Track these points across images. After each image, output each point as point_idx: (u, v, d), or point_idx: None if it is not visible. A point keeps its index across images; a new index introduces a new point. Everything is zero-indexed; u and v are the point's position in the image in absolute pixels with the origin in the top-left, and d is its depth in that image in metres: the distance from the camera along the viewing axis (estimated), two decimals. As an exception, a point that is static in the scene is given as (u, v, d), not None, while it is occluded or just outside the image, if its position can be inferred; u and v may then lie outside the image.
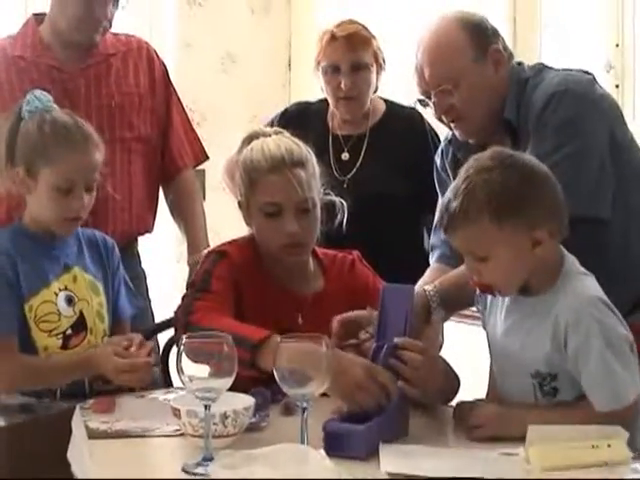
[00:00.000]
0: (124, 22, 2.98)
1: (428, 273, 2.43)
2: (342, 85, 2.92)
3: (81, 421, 1.68)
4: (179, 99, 2.95)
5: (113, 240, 2.44)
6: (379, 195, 2.87)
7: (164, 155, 2.86)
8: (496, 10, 4.41)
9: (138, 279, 2.82)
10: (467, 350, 2.91)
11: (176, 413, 1.88)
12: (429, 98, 2.31)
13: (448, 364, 2.14)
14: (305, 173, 2.27)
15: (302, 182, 2.26)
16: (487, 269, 1.90)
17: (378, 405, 1.89)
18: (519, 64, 2.36)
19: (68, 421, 1.61)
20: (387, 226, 2.85)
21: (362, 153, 2.99)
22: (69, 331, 2.24)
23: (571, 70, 2.32)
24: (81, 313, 2.26)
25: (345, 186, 2.90)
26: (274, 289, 2.33)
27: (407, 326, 1.98)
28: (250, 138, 2.37)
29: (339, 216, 2.42)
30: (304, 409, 1.74)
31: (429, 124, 3.02)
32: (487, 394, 2.11)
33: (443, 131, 2.80)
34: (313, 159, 2.34)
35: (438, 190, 2.51)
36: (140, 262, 2.92)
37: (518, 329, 1.96)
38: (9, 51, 2.71)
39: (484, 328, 2.10)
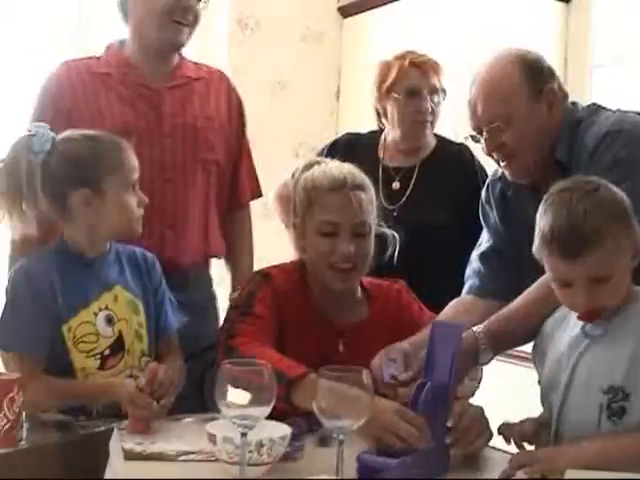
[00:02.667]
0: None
1: (454, 304, 2.43)
2: (422, 108, 2.96)
3: (119, 442, 1.68)
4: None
5: (154, 256, 2.44)
6: (427, 225, 2.88)
7: (230, 187, 2.87)
8: (548, 49, 4.42)
9: (211, 301, 2.85)
10: (510, 390, 2.89)
11: (212, 439, 1.87)
12: (480, 134, 2.30)
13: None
14: (365, 196, 2.29)
15: (361, 204, 2.27)
16: (607, 289, 1.87)
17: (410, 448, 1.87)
18: (573, 104, 2.34)
19: (106, 441, 1.62)
20: (433, 256, 2.84)
21: (412, 184, 3.00)
22: (107, 352, 2.24)
23: (627, 111, 2.29)
24: (120, 333, 2.26)
25: (395, 214, 2.90)
26: (317, 315, 2.33)
27: (454, 365, 1.95)
28: (310, 165, 2.39)
29: (390, 249, 2.41)
30: (341, 441, 1.73)
31: (478, 161, 3.02)
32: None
33: (492, 168, 2.79)
34: (372, 187, 2.35)
35: (483, 223, 2.52)
36: (212, 284, 2.91)
37: (592, 347, 1.93)
38: (94, 69, 2.73)
39: (535, 364, 2.08)
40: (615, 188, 1.92)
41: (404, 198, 2.98)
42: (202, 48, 4.82)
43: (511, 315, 2.15)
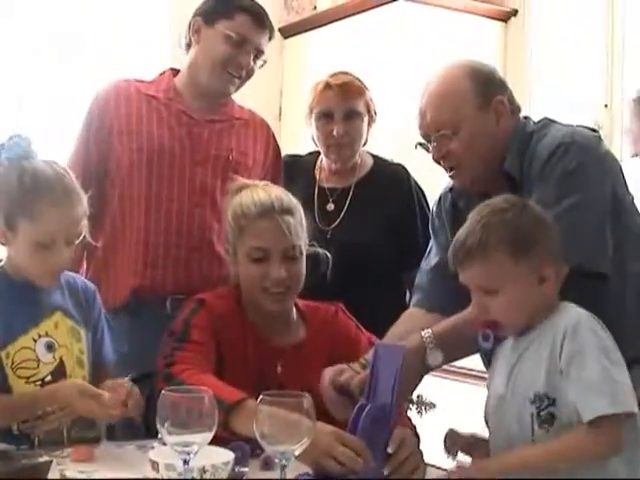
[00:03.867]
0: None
1: (404, 318, 2.44)
2: (334, 132, 2.95)
3: (58, 473, 1.66)
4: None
5: (95, 286, 2.42)
6: (361, 246, 2.88)
7: None
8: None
9: None
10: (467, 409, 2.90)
11: (154, 466, 1.86)
12: (429, 141, 2.30)
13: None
14: (294, 220, 2.30)
15: (290, 228, 2.28)
16: (495, 304, 1.92)
17: (349, 471, 1.87)
18: (525, 118, 2.35)
19: (45, 473, 1.60)
20: (368, 277, 2.85)
21: (346, 205, 3.00)
22: (48, 377, 2.20)
23: (577, 125, 2.29)
24: (61, 360, 2.23)
25: (328, 236, 2.91)
26: (255, 339, 2.33)
27: (395, 386, 1.95)
28: (239, 189, 2.39)
29: (322, 268, 2.43)
30: (283, 466, 1.73)
31: (415, 181, 3.05)
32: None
33: (429, 187, 2.82)
34: (301, 210, 2.36)
35: (432, 236, 2.51)
36: None
37: (520, 361, 1.95)
38: (143, 90, 2.81)
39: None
40: (535, 212, 1.96)
41: (338, 220, 2.98)
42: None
43: (458, 320, 2.16)
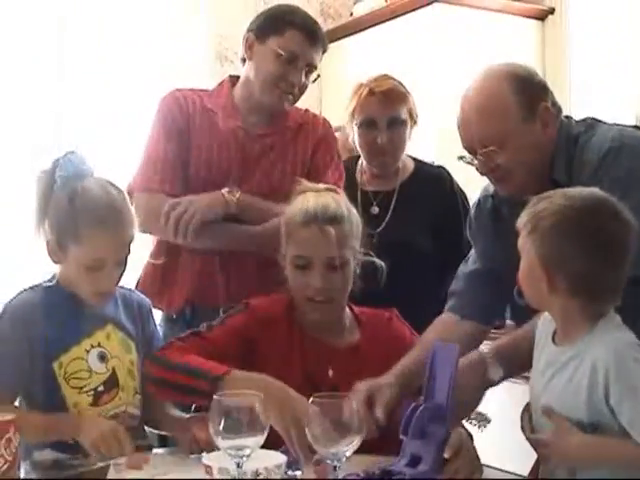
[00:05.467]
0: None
1: (436, 324, 2.40)
2: (378, 140, 2.94)
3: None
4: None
5: (149, 301, 2.46)
6: (409, 248, 2.88)
7: None
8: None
9: None
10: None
11: (208, 470, 1.88)
12: (473, 154, 2.23)
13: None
14: (339, 230, 2.28)
15: (331, 239, 2.27)
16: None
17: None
18: (567, 118, 2.28)
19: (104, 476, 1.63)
20: (415, 280, 2.83)
21: (391, 208, 3.00)
22: (101, 388, 2.23)
23: (623, 125, 2.24)
24: (113, 370, 2.26)
25: (375, 240, 2.88)
26: (304, 342, 2.35)
27: (451, 386, 1.94)
28: (299, 193, 2.40)
29: (377, 277, 2.43)
30: (335, 467, 1.74)
31: (457, 183, 3.04)
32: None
33: (470, 191, 2.81)
34: (354, 219, 2.35)
35: (472, 242, 2.48)
36: None
37: (557, 380, 1.92)
38: (205, 102, 2.82)
39: None
40: None
41: (384, 223, 2.98)
42: (183, 80, 4.88)
43: (517, 336, 2.14)
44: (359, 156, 3.10)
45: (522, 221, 1.91)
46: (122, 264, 2.24)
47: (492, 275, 2.36)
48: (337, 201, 2.33)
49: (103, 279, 2.20)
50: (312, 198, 2.33)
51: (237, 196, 2.60)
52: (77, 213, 2.16)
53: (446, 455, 1.94)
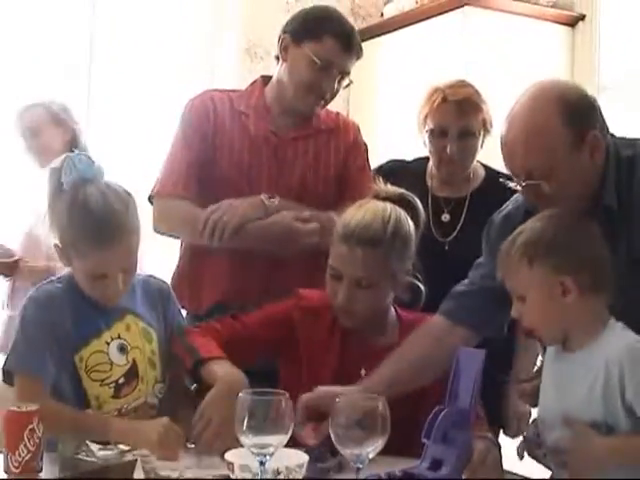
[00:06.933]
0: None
1: (426, 331, 2.34)
2: (448, 150, 2.88)
3: (142, 472, 1.68)
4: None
5: (169, 287, 2.46)
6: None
7: None
8: (555, 74, 4.45)
9: None
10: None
11: (229, 467, 1.88)
12: (517, 181, 2.11)
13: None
14: (372, 253, 2.26)
15: (359, 260, 2.26)
16: (525, 310, 1.97)
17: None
18: (612, 136, 2.16)
19: (130, 472, 1.63)
20: None
21: (463, 217, 2.94)
22: (122, 380, 2.24)
23: None
24: (134, 361, 2.26)
25: (446, 248, 2.88)
26: (346, 338, 2.37)
27: (475, 391, 1.94)
28: (372, 195, 2.40)
29: (417, 299, 2.40)
30: (358, 469, 1.74)
31: None
32: None
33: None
34: (401, 239, 2.31)
35: (485, 248, 2.38)
36: None
37: (567, 380, 1.95)
38: (236, 105, 2.80)
39: None
40: (569, 222, 1.98)
41: (455, 232, 2.92)
42: (211, 77, 4.89)
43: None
44: (428, 158, 3.03)
45: (515, 259, 1.95)
46: (130, 270, 2.23)
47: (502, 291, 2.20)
48: (386, 221, 2.29)
49: (109, 286, 2.19)
50: (360, 213, 2.31)
51: (276, 202, 2.60)
52: (76, 229, 2.15)
53: (464, 476, 1.92)
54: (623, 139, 2.18)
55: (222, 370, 2.19)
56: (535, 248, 1.93)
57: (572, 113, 2.04)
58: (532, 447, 2.03)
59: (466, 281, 2.37)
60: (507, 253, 1.98)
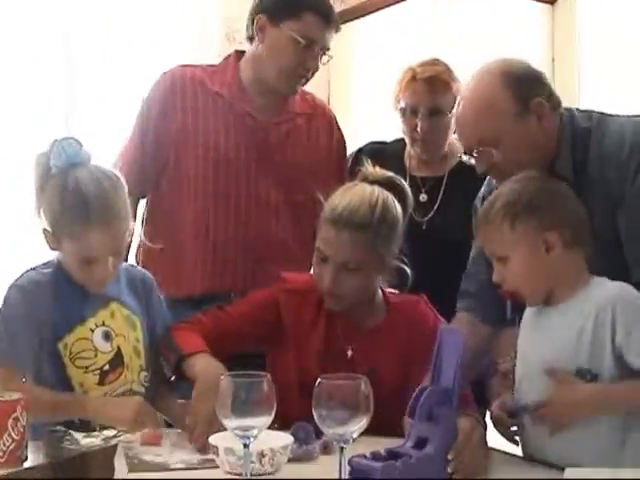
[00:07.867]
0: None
1: (456, 323, 2.35)
2: (418, 128, 2.89)
3: (123, 457, 1.69)
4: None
5: (153, 279, 2.45)
6: (457, 243, 2.68)
7: None
8: (535, 50, 4.45)
9: None
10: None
11: (214, 450, 1.89)
12: (471, 154, 2.21)
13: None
14: (359, 237, 2.25)
15: (346, 244, 2.25)
16: (508, 271, 2.00)
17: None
18: (568, 111, 2.24)
19: (111, 457, 1.63)
20: (459, 268, 2.64)
21: (440, 196, 2.94)
22: (106, 367, 2.24)
23: (631, 116, 2.22)
24: (119, 348, 2.27)
25: (423, 227, 2.88)
26: (332, 318, 2.37)
27: (457, 370, 1.94)
28: (360, 178, 2.39)
29: (404, 283, 2.39)
30: (342, 448, 1.74)
31: None
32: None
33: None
34: (388, 223, 2.30)
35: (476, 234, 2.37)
36: None
37: (551, 334, 1.98)
38: (209, 86, 2.75)
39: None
40: (545, 182, 2.04)
41: (432, 212, 2.92)
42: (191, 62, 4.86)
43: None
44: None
45: (497, 222, 1.99)
46: (119, 254, 2.25)
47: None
48: (373, 205, 2.28)
49: (98, 270, 2.20)
50: (347, 197, 2.29)
51: None
52: (67, 210, 2.15)
53: (449, 456, 1.92)
54: (582, 111, 2.25)
55: (200, 366, 2.20)
56: (516, 208, 1.97)
57: (515, 82, 2.16)
58: (500, 419, 2.08)
59: (471, 275, 2.38)
60: (485, 218, 2.02)
